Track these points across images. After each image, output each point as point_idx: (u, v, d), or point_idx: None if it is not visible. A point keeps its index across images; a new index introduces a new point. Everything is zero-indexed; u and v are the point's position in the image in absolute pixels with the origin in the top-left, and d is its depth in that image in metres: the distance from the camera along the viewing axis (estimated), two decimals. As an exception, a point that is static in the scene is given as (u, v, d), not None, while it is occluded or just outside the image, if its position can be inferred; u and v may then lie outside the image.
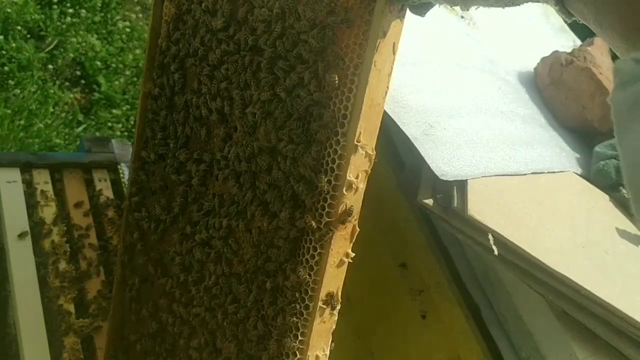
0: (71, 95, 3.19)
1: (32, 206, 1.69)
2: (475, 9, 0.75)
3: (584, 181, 1.33)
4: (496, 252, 0.95)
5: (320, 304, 0.90)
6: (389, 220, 1.44)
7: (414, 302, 1.39)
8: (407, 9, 0.83)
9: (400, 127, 1.00)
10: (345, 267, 0.92)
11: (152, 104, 1.20)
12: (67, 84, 3.26)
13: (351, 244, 0.92)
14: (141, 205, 1.25)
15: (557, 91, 1.58)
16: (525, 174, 1.14)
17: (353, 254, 0.92)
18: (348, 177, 0.85)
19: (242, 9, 0.97)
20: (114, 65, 3.40)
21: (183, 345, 1.15)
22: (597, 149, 1.42)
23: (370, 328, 1.51)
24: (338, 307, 0.92)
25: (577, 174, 1.37)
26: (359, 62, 0.83)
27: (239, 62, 0.98)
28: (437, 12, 1.67)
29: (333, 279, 0.90)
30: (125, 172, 1.89)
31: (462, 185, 1.00)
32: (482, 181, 1.04)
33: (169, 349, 1.19)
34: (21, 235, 1.62)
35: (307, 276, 0.89)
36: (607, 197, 1.33)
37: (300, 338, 0.91)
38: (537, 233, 1.02)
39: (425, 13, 0.84)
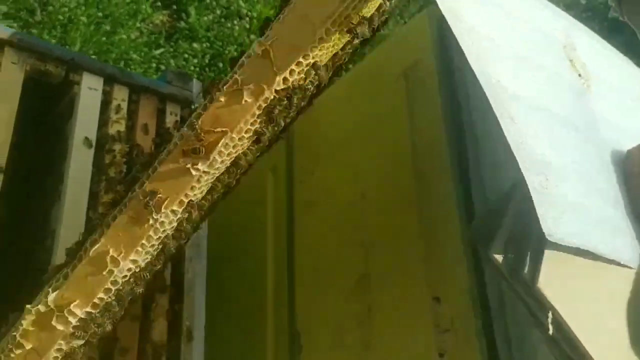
0: (160, 17, 3.22)
1: (103, 118, 1.72)
2: None
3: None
4: (551, 332, 0.93)
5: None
6: (439, 251, 1.43)
7: (436, 337, 1.39)
8: None
9: (523, 172, 0.97)
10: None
11: None
12: (159, 3, 3.29)
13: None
14: None
15: (642, 183, 1.53)
16: (598, 260, 1.11)
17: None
18: None
19: None
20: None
21: None
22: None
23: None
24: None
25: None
26: None
27: None
28: (558, 63, 1.61)
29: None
30: (196, 113, 1.91)
31: (537, 254, 0.99)
32: (555, 255, 1.02)
33: None
34: (86, 142, 1.66)
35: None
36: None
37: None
38: (593, 325, 1.00)
39: None
